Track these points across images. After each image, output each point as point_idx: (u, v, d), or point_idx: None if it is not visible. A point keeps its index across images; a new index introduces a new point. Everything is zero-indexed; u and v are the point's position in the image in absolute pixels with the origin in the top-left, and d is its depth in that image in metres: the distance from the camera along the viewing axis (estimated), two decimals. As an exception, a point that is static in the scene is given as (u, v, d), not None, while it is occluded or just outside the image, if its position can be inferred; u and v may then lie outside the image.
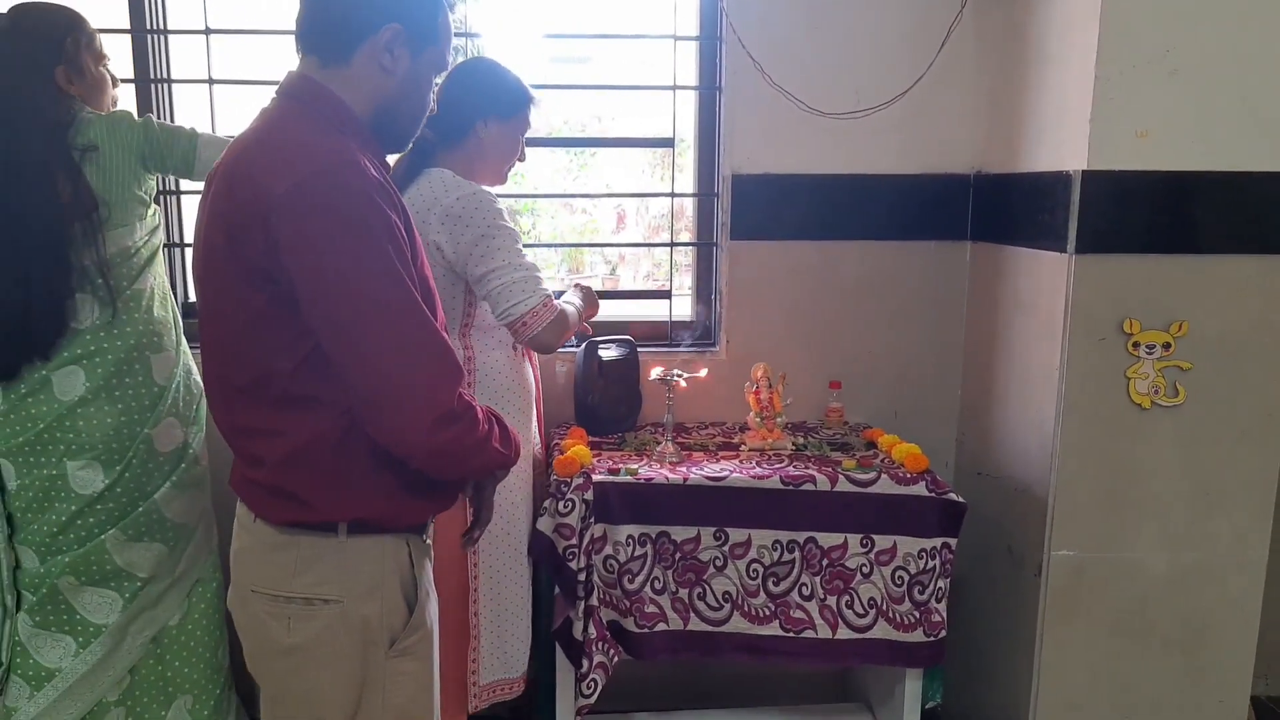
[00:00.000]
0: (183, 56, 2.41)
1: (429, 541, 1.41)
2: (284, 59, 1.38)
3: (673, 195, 2.55)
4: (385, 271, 1.16)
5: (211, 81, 2.33)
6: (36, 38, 1.76)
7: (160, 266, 1.94)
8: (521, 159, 1.97)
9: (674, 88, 2.49)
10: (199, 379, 1.96)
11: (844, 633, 2.03)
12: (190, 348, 2.00)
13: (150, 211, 1.90)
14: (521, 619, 1.96)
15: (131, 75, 2.33)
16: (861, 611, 2.03)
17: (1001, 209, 2.31)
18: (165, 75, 2.39)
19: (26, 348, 1.74)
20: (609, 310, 2.57)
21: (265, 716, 1.36)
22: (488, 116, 1.86)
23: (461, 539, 1.51)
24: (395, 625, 1.30)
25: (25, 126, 1.71)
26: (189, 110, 2.41)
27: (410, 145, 1.80)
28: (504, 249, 1.76)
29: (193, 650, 1.90)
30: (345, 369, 1.18)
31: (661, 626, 2.03)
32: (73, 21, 1.81)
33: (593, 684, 1.97)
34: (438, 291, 1.72)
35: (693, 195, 2.53)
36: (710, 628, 2.04)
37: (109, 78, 1.90)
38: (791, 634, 2.03)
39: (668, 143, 2.54)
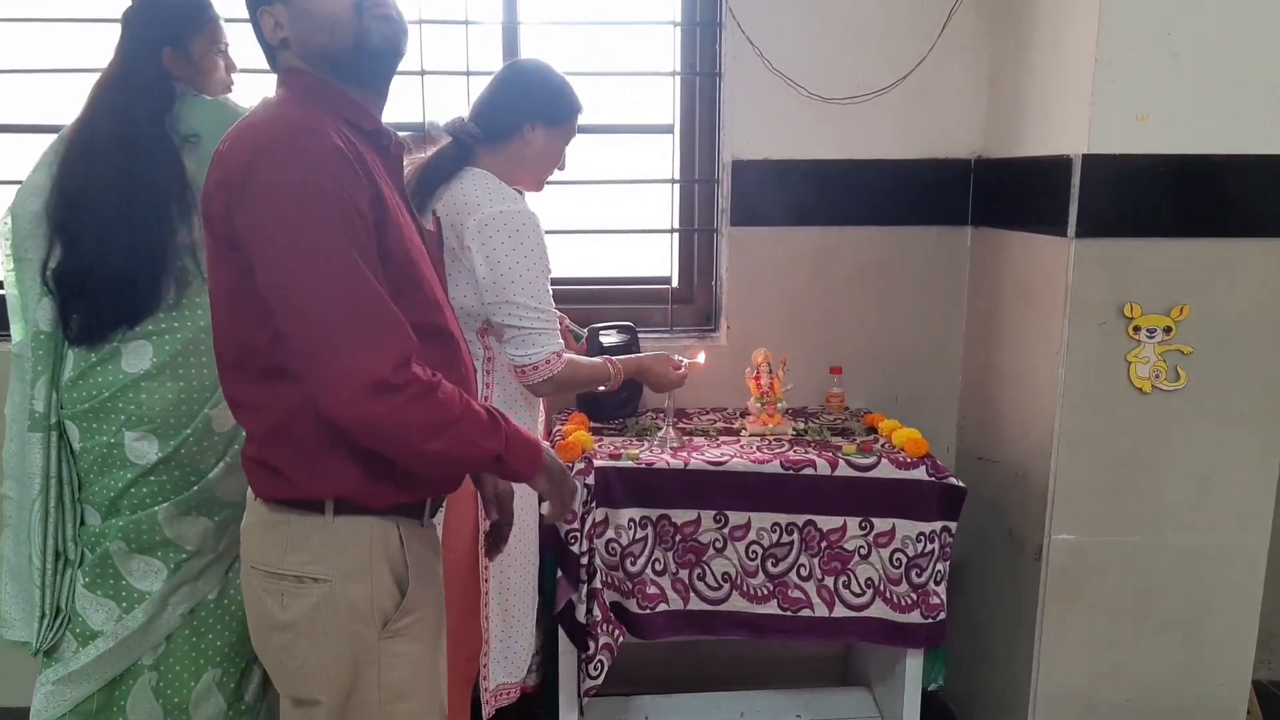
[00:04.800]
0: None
1: (428, 526, 1.41)
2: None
3: (674, 181, 2.55)
4: (320, 235, 1.14)
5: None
6: (148, 18, 1.80)
7: None
8: (561, 168, 1.93)
9: (674, 74, 2.49)
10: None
11: (840, 611, 2.05)
12: None
13: None
14: (527, 623, 1.97)
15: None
16: (858, 591, 2.04)
17: (1002, 193, 2.30)
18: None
19: (121, 316, 1.78)
20: (611, 295, 2.59)
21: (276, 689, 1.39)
22: (535, 120, 1.83)
23: (485, 544, 1.49)
24: (387, 607, 1.30)
25: (136, 104, 1.76)
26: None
27: (452, 140, 1.80)
28: (532, 284, 1.73)
29: (227, 624, 1.92)
30: (282, 332, 1.17)
31: (663, 607, 2.04)
32: (188, 4, 1.84)
33: (599, 665, 1.99)
34: (461, 284, 1.73)
35: (695, 181, 2.54)
36: (710, 607, 2.06)
37: (222, 64, 1.90)
38: (789, 613, 2.05)
39: (667, 129, 2.54)
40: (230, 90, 1.94)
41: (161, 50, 1.79)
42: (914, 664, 2.10)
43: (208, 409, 1.83)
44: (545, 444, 1.37)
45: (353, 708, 1.30)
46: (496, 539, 1.59)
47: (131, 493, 1.81)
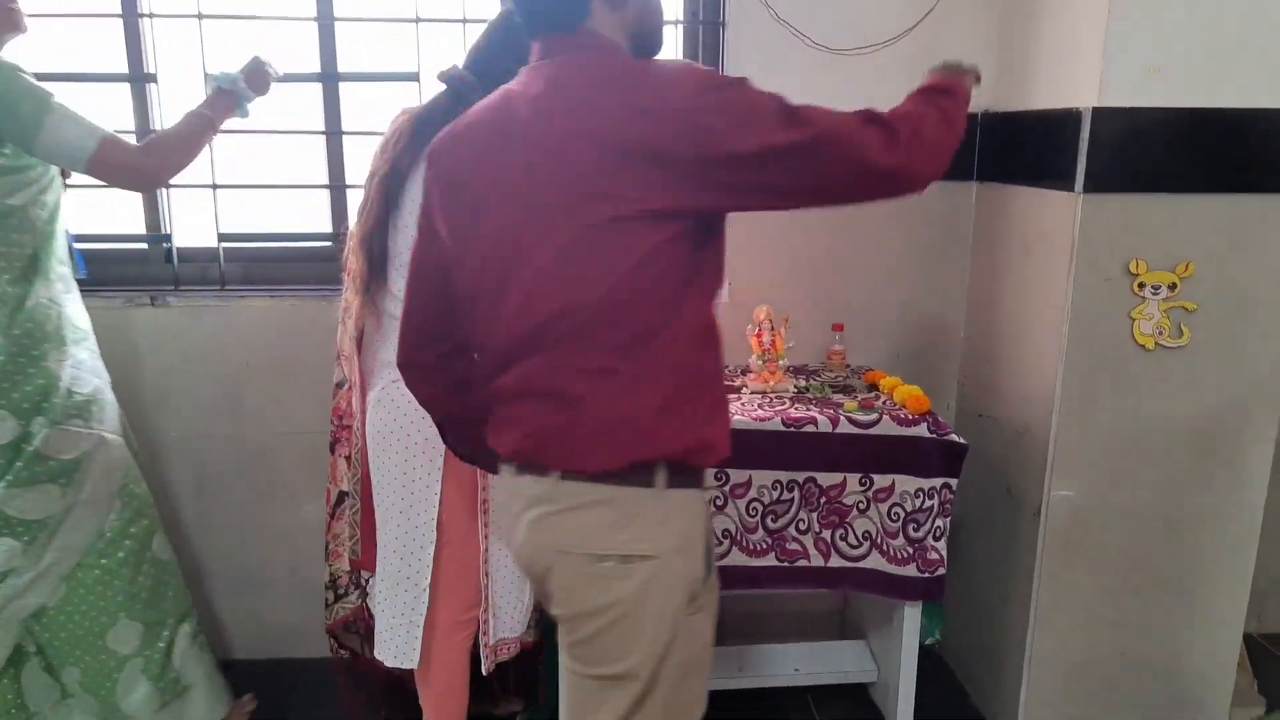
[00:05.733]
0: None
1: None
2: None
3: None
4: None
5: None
6: None
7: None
8: None
9: (677, 23, 2.43)
10: (54, 368, 1.87)
11: (836, 561, 2.06)
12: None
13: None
14: (525, 580, 1.96)
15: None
16: (855, 543, 2.05)
17: (1009, 148, 2.27)
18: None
19: None
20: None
21: (574, 664, 1.32)
22: None
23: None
24: (696, 581, 1.27)
25: None
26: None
27: (447, 89, 1.76)
28: None
29: (79, 626, 1.92)
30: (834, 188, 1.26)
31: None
32: None
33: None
34: None
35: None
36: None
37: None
38: (786, 564, 2.06)
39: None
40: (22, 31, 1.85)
41: None
42: (911, 618, 2.12)
43: None
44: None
45: (652, 684, 1.27)
46: None
47: None
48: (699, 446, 1.26)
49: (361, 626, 2.07)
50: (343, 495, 2.00)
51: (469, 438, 1.48)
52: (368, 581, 1.98)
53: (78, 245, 2.07)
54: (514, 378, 1.27)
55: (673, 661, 1.26)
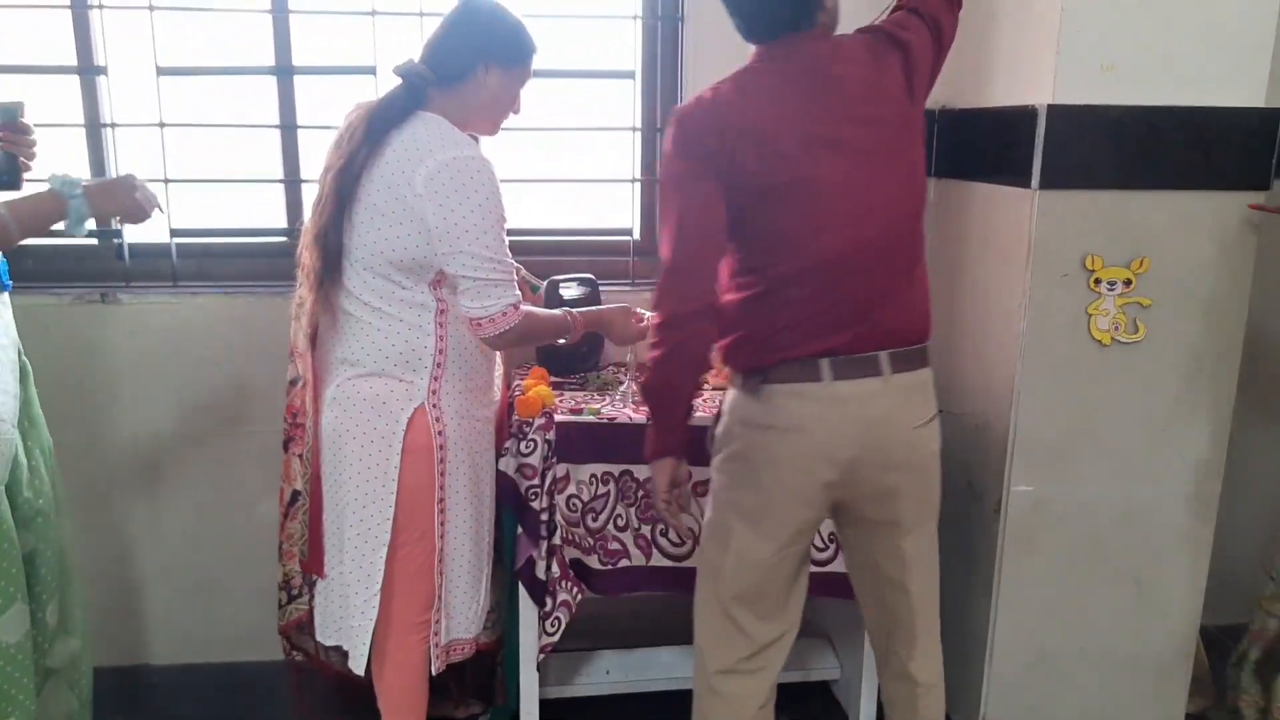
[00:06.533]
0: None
1: None
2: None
3: (635, 130, 2.49)
4: None
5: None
6: None
7: None
8: (516, 111, 1.85)
9: (635, 18, 2.42)
10: None
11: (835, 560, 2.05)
12: None
13: None
14: (480, 580, 1.94)
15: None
16: (822, 546, 2.05)
17: (966, 145, 2.28)
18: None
19: None
20: (571, 247, 2.54)
21: (914, 521, 1.71)
22: (490, 62, 1.75)
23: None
24: None
25: None
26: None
27: (403, 83, 1.73)
28: (487, 233, 1.68)
29: None
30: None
31: (624, 563, 2.04)
32: None
33: (556, 622, 1.98)
34: (413, 233, 1.68)
35: (658, 130, 2.48)
36: (673, 563, 2.05)
37: None
38: None
39: (629, 75, 2.48)
40: None
41: None
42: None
43: None
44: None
45: None
46: None
47: None
48: None
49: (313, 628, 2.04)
50: (296, 494, 1.96)
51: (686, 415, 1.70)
52: (315, 584, 1.94)
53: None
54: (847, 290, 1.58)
55: None
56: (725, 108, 1.55)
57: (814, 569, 2.04)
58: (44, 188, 1.68)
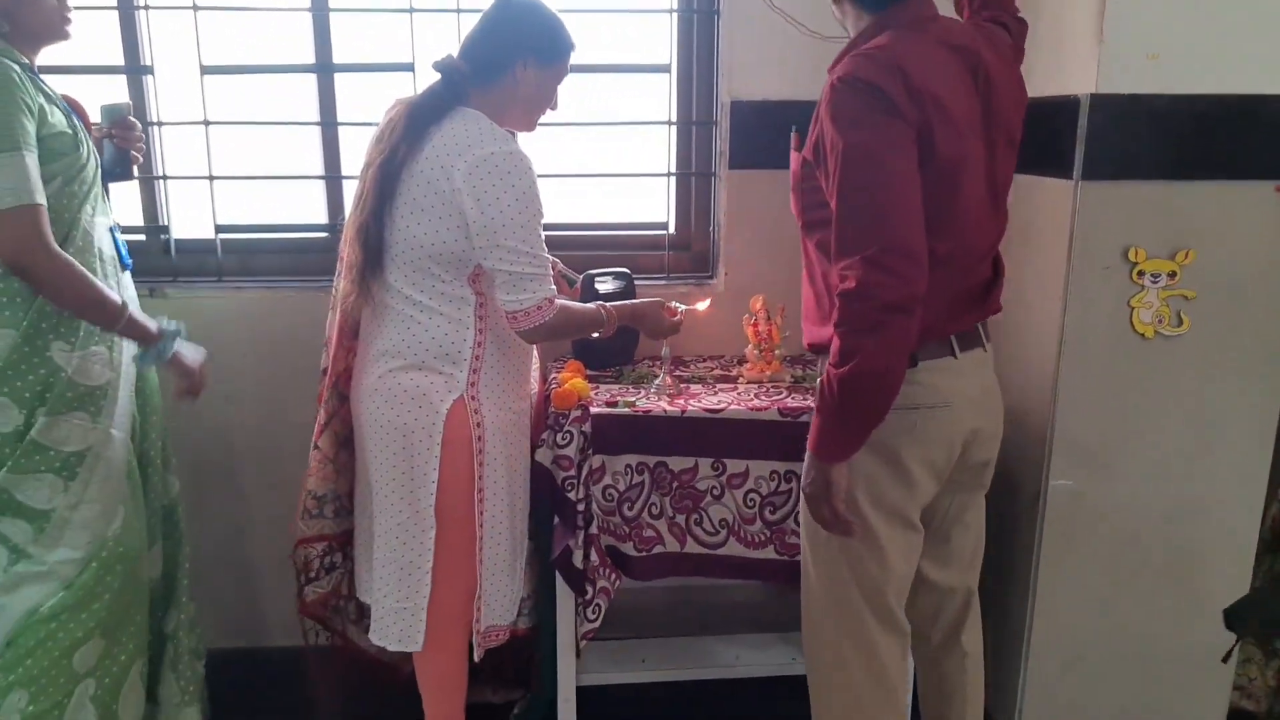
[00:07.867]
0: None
1: None
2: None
3: (670, 123, 2.49)
4: None
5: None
6: None
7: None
8: (554, 108, 1.88)
9: (671, 11, 2.42)
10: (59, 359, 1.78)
11: None
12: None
13: None
14: (516, 568, 1.96)
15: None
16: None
17: (1007, 136, 2.25)
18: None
19: None
20: (607, 242, 2.55)
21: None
22: (527, 59, 1.77)
23: None
24: None
25: None
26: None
27: (441, 79, 1.75)
28: (524, 228, 1.70)
29: (41, 644, 1.75)
30: None
31: (659, 549, 2.05)
32: None
33: (597, 609, 2.00)
34: (452, 227, 1.70)
35: (693, 123, 2.48)
36: (706, 551, 2.06)
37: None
38: (786, 558, 2.05)
39: (664, 69, 2.48)
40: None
41: None
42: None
43: None
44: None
45: None
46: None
47: None
48: None
49: (343, 604, 2.08)
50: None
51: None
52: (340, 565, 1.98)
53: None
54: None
55: None
56: (914, 74, 1.45)
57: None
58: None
